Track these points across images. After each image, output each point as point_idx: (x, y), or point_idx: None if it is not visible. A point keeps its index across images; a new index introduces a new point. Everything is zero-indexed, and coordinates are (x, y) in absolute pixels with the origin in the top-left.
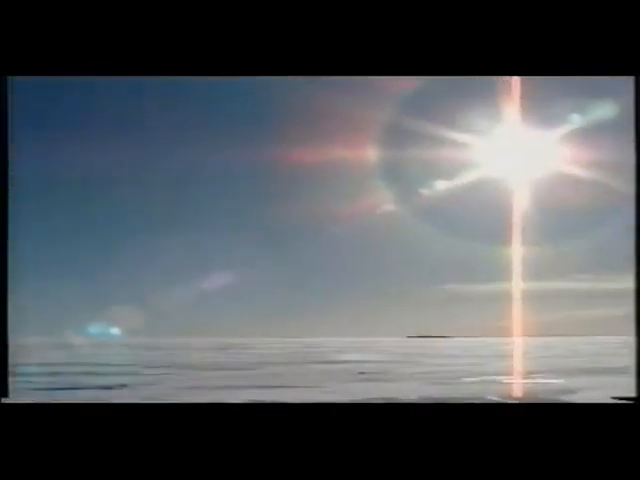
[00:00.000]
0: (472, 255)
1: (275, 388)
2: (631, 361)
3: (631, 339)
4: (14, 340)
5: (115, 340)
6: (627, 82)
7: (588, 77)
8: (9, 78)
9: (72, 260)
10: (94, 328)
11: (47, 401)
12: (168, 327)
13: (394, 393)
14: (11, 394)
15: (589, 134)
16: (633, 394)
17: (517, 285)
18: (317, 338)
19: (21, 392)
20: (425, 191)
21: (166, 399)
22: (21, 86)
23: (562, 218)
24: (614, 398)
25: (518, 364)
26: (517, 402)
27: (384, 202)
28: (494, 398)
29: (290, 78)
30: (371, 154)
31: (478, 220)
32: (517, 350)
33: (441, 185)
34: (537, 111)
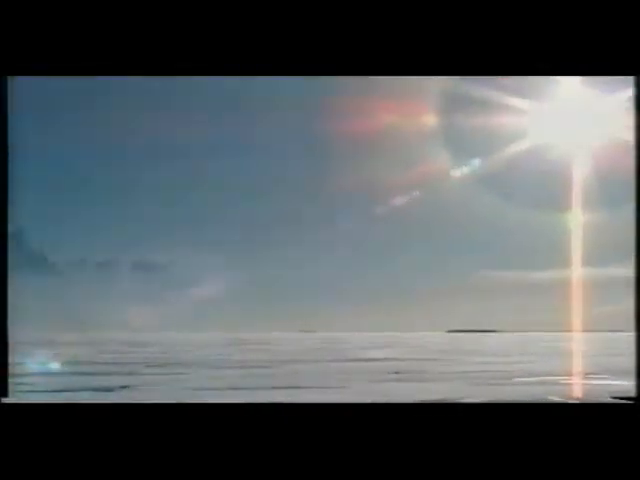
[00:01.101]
0: (526, 232)
1: (296, 389)
2: None
3: None
4: None
5: (56, 374)
6: None
7: None
8: (9, 78)
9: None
10: (33, 362)
11: (47, 401)
12: (187, 321)
13: (433, 396)
14: None
15: None
16: None
17: (575, 272)
18: (345, 333)
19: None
20: (480, 159)
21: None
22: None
23: (624, 189)
24: (614, 398)
25: (577, 362)
26: (517, 402)
27: (437, 172)
28: (555, 398)
29: None
30: (427, 121)
31: (534, 190)
32: (576, 346)
33: (497, 152)
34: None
